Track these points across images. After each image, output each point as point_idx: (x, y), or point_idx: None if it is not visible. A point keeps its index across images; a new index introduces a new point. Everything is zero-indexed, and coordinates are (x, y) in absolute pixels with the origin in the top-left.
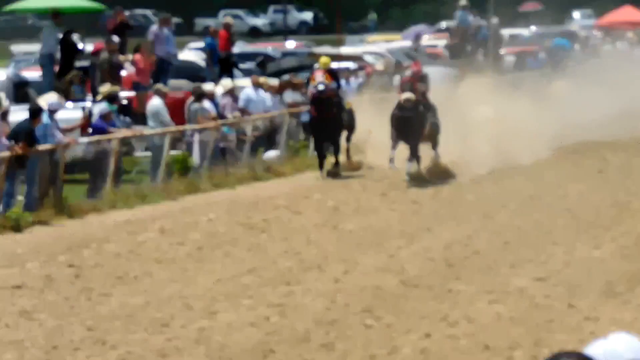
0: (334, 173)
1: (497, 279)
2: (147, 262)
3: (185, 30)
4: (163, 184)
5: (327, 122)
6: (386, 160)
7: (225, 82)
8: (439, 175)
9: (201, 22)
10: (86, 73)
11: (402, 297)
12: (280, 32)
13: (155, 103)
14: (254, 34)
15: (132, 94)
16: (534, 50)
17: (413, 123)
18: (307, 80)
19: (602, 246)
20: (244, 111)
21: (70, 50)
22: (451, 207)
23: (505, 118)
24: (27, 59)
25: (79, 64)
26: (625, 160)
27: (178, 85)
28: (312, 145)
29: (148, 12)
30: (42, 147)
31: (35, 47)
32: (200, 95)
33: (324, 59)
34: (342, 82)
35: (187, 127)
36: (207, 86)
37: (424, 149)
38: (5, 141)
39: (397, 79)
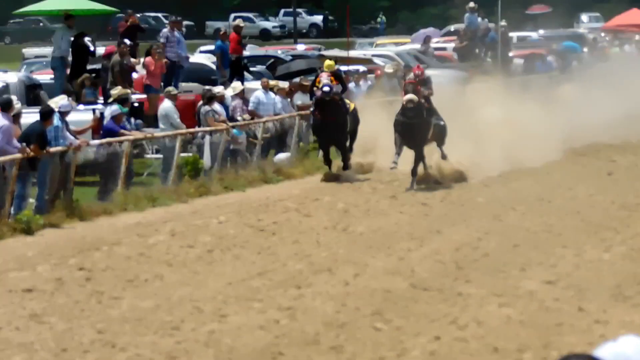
0: (335, 177)
1: (507, 281)
2: (157, 264)
3: (196, 33)
4: (174, 186)
5: (332, 124)
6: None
7: (236, 85)
8: (447, 175)
9: (212, 25)
10: (98, 76)
11: (411, 300)
12: (291, 35)
13: (166, 105)
14: (265, 36)
15: (143, 96)
16: (543, 53)
17: (417, 128)
18: (313, 83)
19: (612, 249)
20: (254, 113)
21: (82, 53)
22: (461, 209)
23: (514, 121)
24: (39, 62)
25: (90, 66)
26: (634, 163)
27: (189, 88)
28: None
29: (159, 15)
30: (53, 149)
31: (47, 50)
32: (210, 98)
33: (328, 62)
34: (352, 84)
35: (198, 129)
36: (218, 89)
37: (430, 148)
38: (16, 143)
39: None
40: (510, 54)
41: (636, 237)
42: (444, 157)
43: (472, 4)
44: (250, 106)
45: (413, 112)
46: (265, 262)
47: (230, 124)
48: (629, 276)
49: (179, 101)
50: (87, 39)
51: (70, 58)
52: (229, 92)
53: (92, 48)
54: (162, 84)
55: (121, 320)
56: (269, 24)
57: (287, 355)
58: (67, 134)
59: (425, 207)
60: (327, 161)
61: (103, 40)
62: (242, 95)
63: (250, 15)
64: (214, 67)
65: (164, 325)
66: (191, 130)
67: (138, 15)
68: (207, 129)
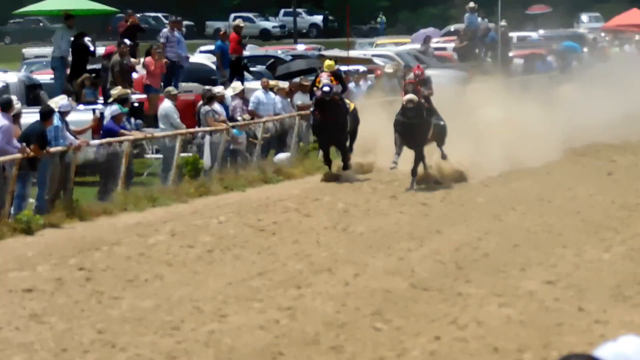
0: (335, 177)
1: (507, 281)
2: (157, 264)
3: (196, 33)
4: (174, 186)
5: (332, 124)
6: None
7: (236, 85)
8: (447, 175)
9: (212, 25)
10: (98, 76)
11: (411, 300)
12: (291, 35)
13: (166, 105)
14: (265, 36)
15: (143, 96)
16: (543, 53)
17: (417, 128)
18: (313, 83)
19: (612, 249)
20: (254, 114)
21: (82, 53)
22: (461, 209)
23: (514, 121)
24: (39, 62)
25: (90, 66)
26: (634, 163)
27: (189, 88)
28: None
29: (159, 15)
30: (53, 149)
31: (47, 50)
32: (210, 98)
33: (328, 62)
34: (352, 84)
35: (198, 129)
36: (218, 89)
37: (430, 148)
38: (16, 143)
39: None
40: (510, 54)
41: (636, 237)
42: (444, 157)
43: (472, 4)
44: (250, 106)
45: (413, 112)
46: (265, 262)
47: (230, 124)
48: (629, 276)
49: (179, 101)
50: (87, 39)
51: (70, 58)
52: (229, 92)
53: (92, 48)
54: (162, 84)
55: (121, 320)
56: (269, 24)
57: (287, 355)
58: (67, 134)
59: (425, 207)
60: (327, 161)
61: (103, 40)
62: (242, 95)
63: (250, 15)
64: (214, 67)
65: (164, 325)
66: (191, 130)
67: (138, 15)
68: (207, 129)
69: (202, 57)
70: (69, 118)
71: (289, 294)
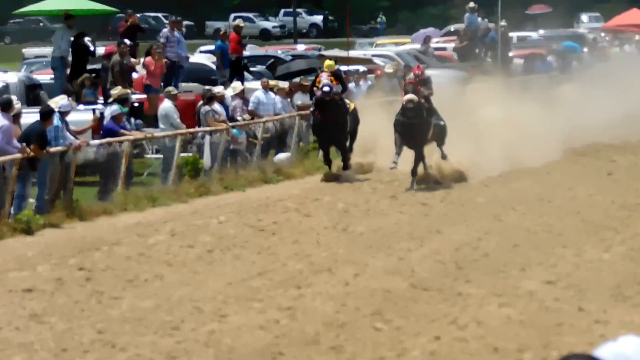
0: (335, 177)
1: (507, 281)
2: (157, 264)
3: (196, 33)
4: (174, 186)
5: (332, 124)
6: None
7: (236, 85)
8: (447, 175)
9: (212, 25)
10: (98, 76)
11: (411, 300)
12: (291, 35)
13: (166, 105)
14: (265, 36)
15: (143, 96)
16: (543, 53)
17: (417, 128)
18: (313, 83)
19: (612, 249)
20: (254, 114)
21: (82, 53)
22: (461, 209)
23: (514, 121)
24: (39, 62)
25: (90, 66)
26: (634, 163)
27: (189, 88)
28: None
29: (159, 15)
30: (53, 149)
31: (47, 50)
32: (210, 98)
33: (328, 62)
34: (352, 84)
35: (198, 129)
36: (218, 89)
37: (430, 148)
38: (16, 143)
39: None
40: (510, 54)
41: (636, 237)
42: (444, 157)
43: (472, 4)
44: (250, 106)
45: (413, 112)
46: (265, 262)
47: (230, 124)
48: (629, 276)
49: (179, 101)
50: (87, 39)
51: (70, 58)
52: (229, 92)
53: (92, 48)
54: (162, 84)
55: (121, 320)
56: (269, 24)
57: (287, 355)
58: (67, 134)
59: (425, 207)
60: (327, 161)
61: (103, 40)
62: (242, 95)
63: (250, 15)
64: (214, 67)
65: (164, 325)
66: (191, 130)
67: (138, 15)
68: (207, 129)
69: (202, 57)
70: (69, 118)
71: (289, 294)
